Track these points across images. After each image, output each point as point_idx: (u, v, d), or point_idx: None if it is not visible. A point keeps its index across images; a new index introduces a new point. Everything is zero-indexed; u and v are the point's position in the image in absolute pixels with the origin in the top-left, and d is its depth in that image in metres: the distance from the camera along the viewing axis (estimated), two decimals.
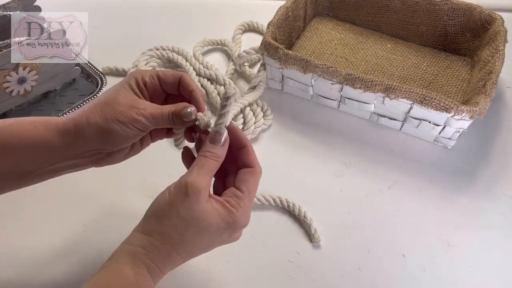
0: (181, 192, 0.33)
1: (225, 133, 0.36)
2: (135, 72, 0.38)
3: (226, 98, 0.36)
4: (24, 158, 0.35)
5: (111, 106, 0.35)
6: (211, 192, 0.36)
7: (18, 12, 0.60)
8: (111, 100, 0.36)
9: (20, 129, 0.35)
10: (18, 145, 0.34)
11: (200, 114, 0.36)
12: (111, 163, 0.39)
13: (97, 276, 0.32)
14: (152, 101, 0.38)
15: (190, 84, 0.38)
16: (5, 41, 0.57)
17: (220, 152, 0.35)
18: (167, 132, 0.41)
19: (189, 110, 0.36)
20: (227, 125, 0.36)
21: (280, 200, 0.49)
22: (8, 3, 0.59)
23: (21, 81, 0.56)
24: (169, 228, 0.33)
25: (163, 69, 0.64)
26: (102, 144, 0.36)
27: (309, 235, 0.47)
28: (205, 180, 0.33)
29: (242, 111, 0.56)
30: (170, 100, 0.40)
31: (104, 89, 0.61)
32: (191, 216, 0.32)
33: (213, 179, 0.36)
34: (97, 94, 0.60)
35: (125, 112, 0.35)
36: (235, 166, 0.38)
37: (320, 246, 0.46)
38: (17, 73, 0.55)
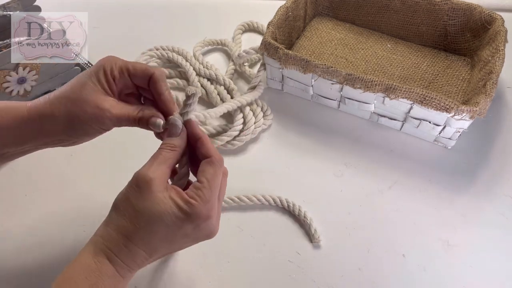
0: (132, 183, 0.34)
1: (180, 124, 0.36)
2: (104, 61, 0.37)
3: (187, 97, 0.37)
4: None
5: (76, 103, 0.36)
6: None
7: (18, 12, 0.60)
8: (77, 96, 0.36)
9: None
10: None
11: (172, 117, 0.37)
12: (78, 144, 0.40)
13: (66, 267, 0.32)
14: (121, 92, 0.38)
15: (159, 87, 0.37)
16: (5, 41, 0.57)
17: (176, 142, 0.36)
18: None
19: (157, 122, 0.37)
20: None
21: (280, 200, 0.49)
22: (8, 3, 0.59)
23: (21, 81, 0.56)
24: (122, 218, 0.33)
25: (163, 69, 0.64)
26: (66, 136, 0.37)
27: (309, 235, 0.46)
28: (158, 170, 0.34)
29: (242, 110, 0.56)
30: (142, 92, 0.40)
31: None
32: (142, 205, 0.33)
33: None
34: None
35: (89, 112, 0.35)
36: None
37: (320, 246, 0.46)
38: (17, 73, 0.55)
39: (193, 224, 0.33)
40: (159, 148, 0.36)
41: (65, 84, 0.37)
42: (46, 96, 0.37)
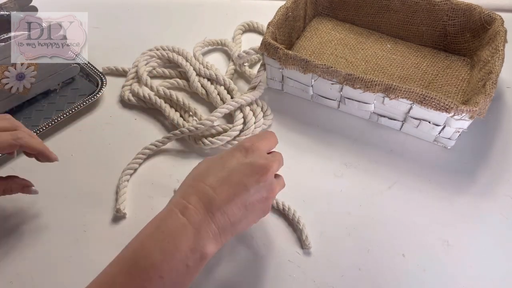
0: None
1: None
2: None
3: None
4: None
5: None
6: None
7: (15, 12, 0.60)
8: None
9: None
10: None
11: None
12: None
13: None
14: None
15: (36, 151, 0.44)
16: (2, 35, 0.57)
17: None
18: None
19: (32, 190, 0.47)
20: None
21: (276, 203, 0.48)
22: (4, 3, 0.59)
23: (20, 77, 0.56)
24: (195, 170, 0.40)
25: (163, 69, 0.64)
26: None
27: (301, 241, 0.46)
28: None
29: (242, 110, 0.56)
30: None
31: (104, 89, 0.60)
32: (207, 159, 0.41)
33: None
34: (98, 94, 0.59)
35: None
36: None
37: (320, 246, 0.46)
38: (15, 68, 0.55)
39: (250, 166, 0.38)
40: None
41: None
42: None
